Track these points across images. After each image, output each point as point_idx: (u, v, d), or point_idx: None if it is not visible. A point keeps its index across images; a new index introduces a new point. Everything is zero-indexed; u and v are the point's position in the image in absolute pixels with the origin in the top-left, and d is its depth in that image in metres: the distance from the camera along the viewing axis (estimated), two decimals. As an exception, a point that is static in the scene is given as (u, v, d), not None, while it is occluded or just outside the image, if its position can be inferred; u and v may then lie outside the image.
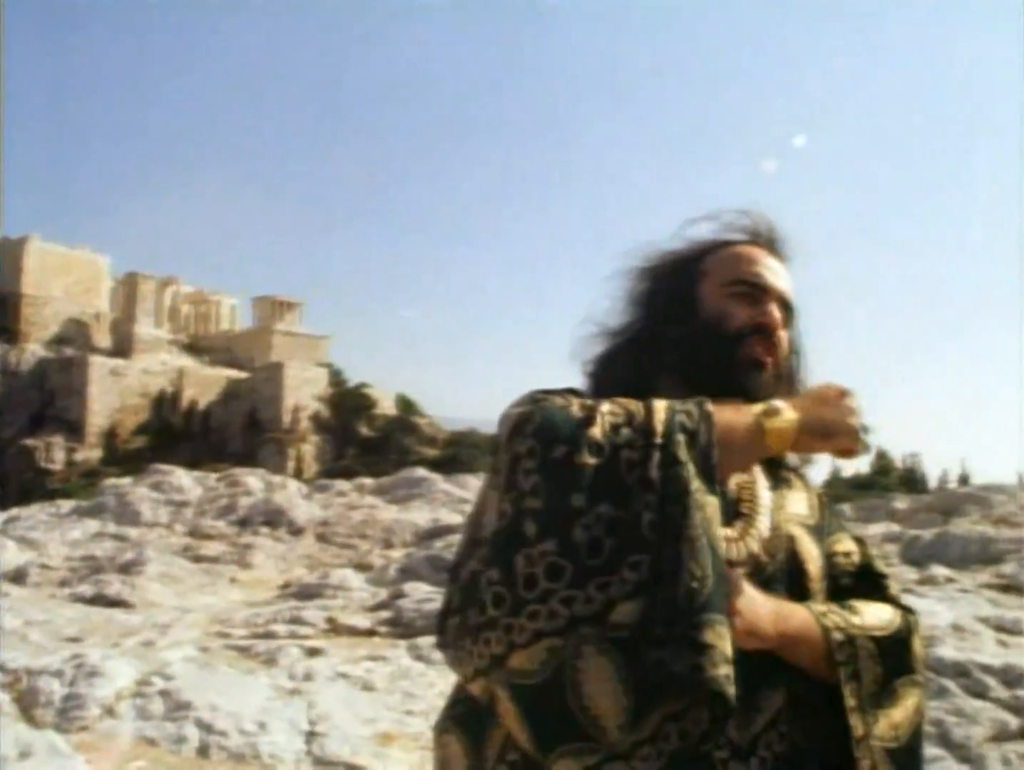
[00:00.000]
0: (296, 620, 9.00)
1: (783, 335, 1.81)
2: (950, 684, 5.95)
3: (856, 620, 1.66)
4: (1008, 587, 8.95)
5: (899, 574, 9.35)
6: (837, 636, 1.61)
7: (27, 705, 6.11)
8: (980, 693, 5.97)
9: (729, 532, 1.61)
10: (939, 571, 9.45)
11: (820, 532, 1.78)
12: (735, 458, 1.55)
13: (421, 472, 19.73)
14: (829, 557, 1.78)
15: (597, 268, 1.88)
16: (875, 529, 12.50)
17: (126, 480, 18.47)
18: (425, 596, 9.34)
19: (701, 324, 1.79)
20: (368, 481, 19.97)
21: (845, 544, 1.84)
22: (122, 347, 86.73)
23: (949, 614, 7.30)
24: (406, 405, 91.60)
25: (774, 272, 1.84)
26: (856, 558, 1.84)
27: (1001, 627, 7.14)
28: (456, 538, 10.38)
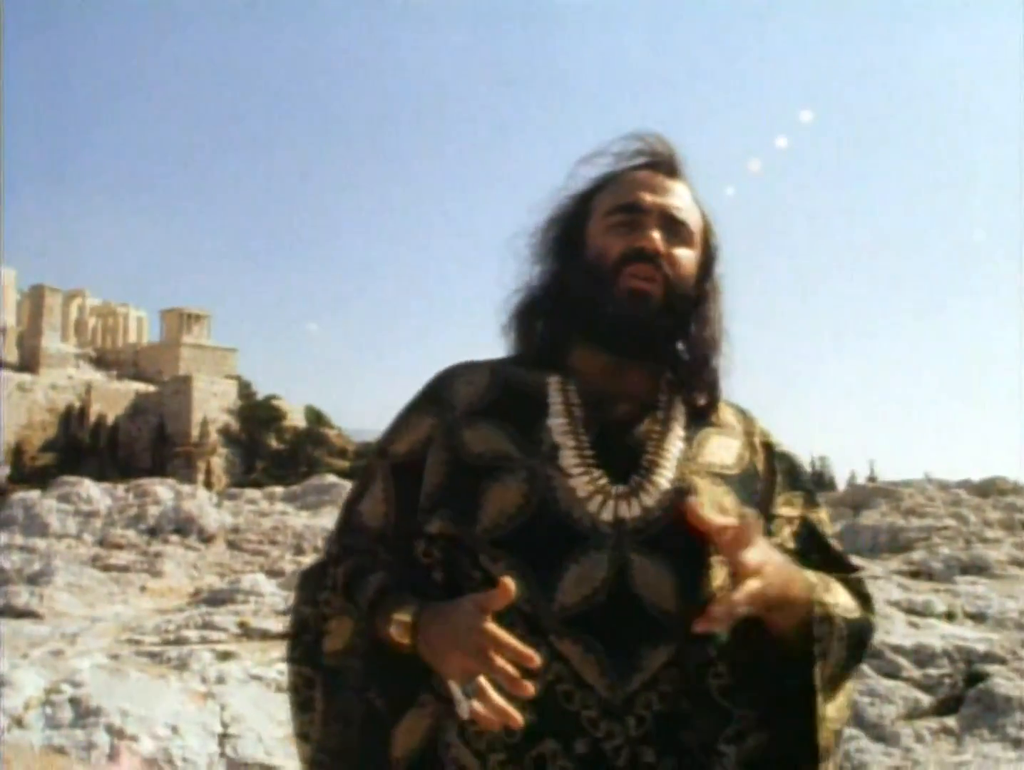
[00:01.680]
0: (208, 625, 8.91)
1: (679, 256, 1.66)
2: (863, 666, 6.02)
3: (830, 598, 1.57)
4: (918, 573, 9.14)
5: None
6: (819, 611, 1.53)
7: (-70, 717, 5.94)
8: (892, 673, 6.05)
9: (622, 487, 1.55)
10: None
11: (745, 483, 1.65)
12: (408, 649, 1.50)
13: (331, 478, 19.72)
14: (772, 518, 1.67)
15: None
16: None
17: (34, 493, 18.06)
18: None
19: (583, 264, 1.68)
20: (279, 489, 19.88)
21: (792, 506, 1.71)
22: (29, 362, 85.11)
23: (860, 599, 7.37)
24: (315, 417, 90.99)
25: (657, 189, 1.70)
26: (798, 526, 1.70)
27: (912, 610, 7.26)
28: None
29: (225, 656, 7.54)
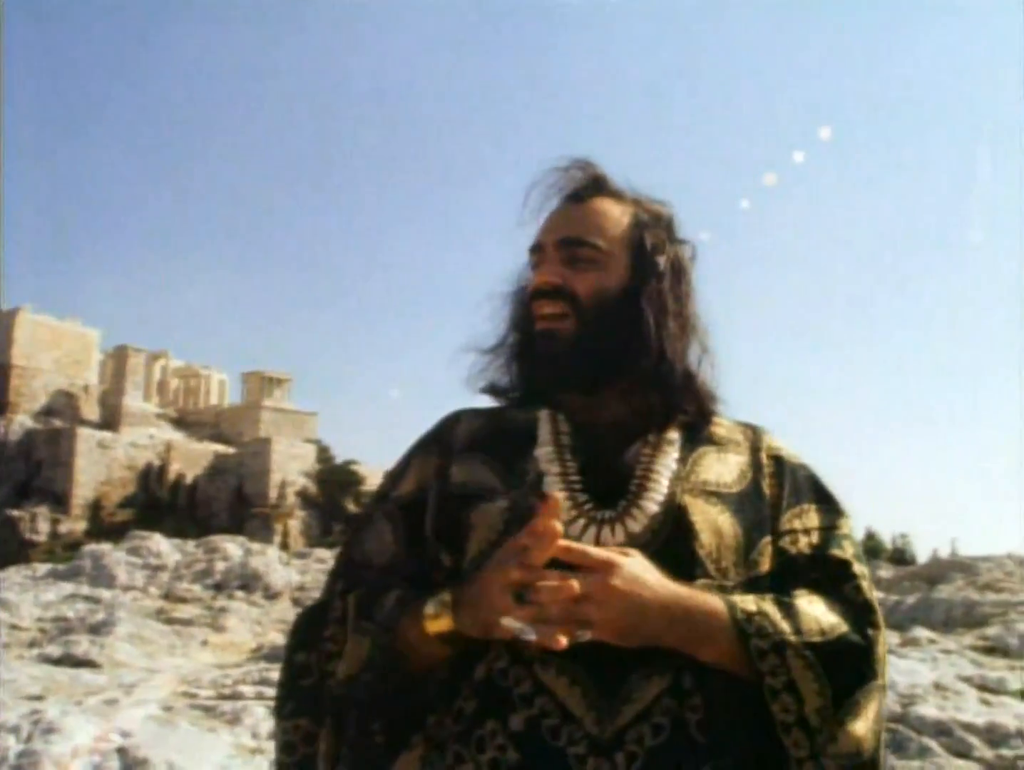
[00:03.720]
0: (265, 681, 8.82)
1: (584, 278, 1.62)
2: (931, 743, 5.79)
3: (787, 625, 1.46)
4: (992, 649, 8.88)
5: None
6: (760, 644, 1.43)
7: (-19, 760, 5.92)
8: (963, 753, 5.82)
9: (607, 513, 1.52)
10: (922, 633, 9.34)
11: (744, 501, 1.58)
12: (424, 661, 1.48)
13: None
14: (782, 534, 1.60)
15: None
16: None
17: (105, 545, 18.24)
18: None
19: (522, 308, 1.71)
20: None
21: (808, 519, 1.63)
22: (110, 420, 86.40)
23: (931, 674, 7.16)
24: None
25: (556, 224, 1.68)
26: (816, 538, 1.61)
27: (985, 686, 7.02)
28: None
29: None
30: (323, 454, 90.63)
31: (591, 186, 1.71)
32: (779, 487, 1.64)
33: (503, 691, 1.43)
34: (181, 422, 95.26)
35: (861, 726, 1.46)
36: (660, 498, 1.53)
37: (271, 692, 8.43)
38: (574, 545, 1.39)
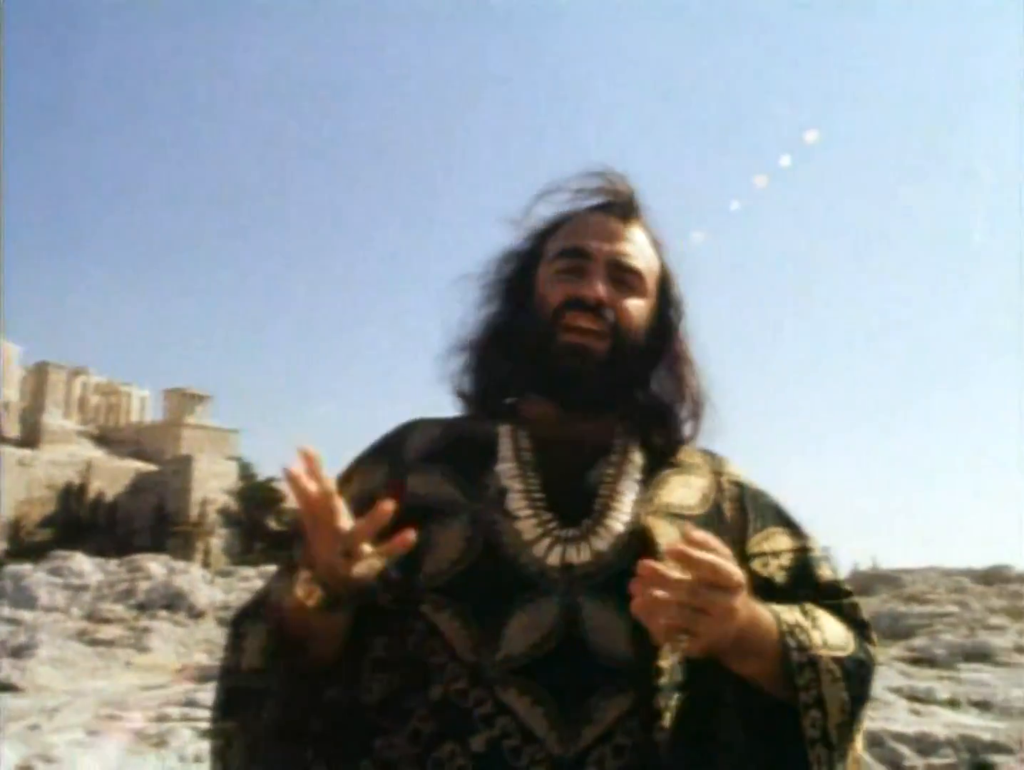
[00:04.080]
0: (191, 703, 8.76)
1: (628, 306, 1.59)
2: (865, 755, 5.82)
3: (817, 636, 1.43)
4: (919, 660, 8.98)
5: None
6: (798, 657, 1.39)
7: None
8: (895, 762, 5.86)
9: (572, 531, 1.48)
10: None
11: (708, 524, 1.53)
12: (320, 640, 1.46)
13: None
14: (751, 557, 1.56)
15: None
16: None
17: (26, 565, 17.91)
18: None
19: (529, 312, 1.62)
20: (273, 567, 19.62)
21: (775, 541, 1.61)
22: (30, 437, 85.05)
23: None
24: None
25: (607, 235, 1.62)
26: (787, 560, 1.59)
27: (914, 697, 7.10)
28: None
29: (205, 734, 7.35)
30: (245, 471, 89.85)
31: (634, 208, 1.67)
32: (742, 511, 1.62)
33: (462, 712, 1.39)
34: (102, 439, 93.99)
35: (858, 745, 1.48)
36: (625, 518, 1.51)
37: (198, 713, 8.33)
38: (708, 558, 1.25)
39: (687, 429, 1.67)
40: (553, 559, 1.45)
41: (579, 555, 1.46)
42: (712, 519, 1.58)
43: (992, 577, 17.42)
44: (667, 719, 1.43)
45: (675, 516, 1.54)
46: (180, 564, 18.46)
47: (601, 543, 1.47)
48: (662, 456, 1.64)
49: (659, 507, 1.55)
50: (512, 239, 1.73)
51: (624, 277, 1.60)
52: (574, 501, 1.53)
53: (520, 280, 1.68)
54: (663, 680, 1.44)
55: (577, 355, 1.55)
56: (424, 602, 1.46)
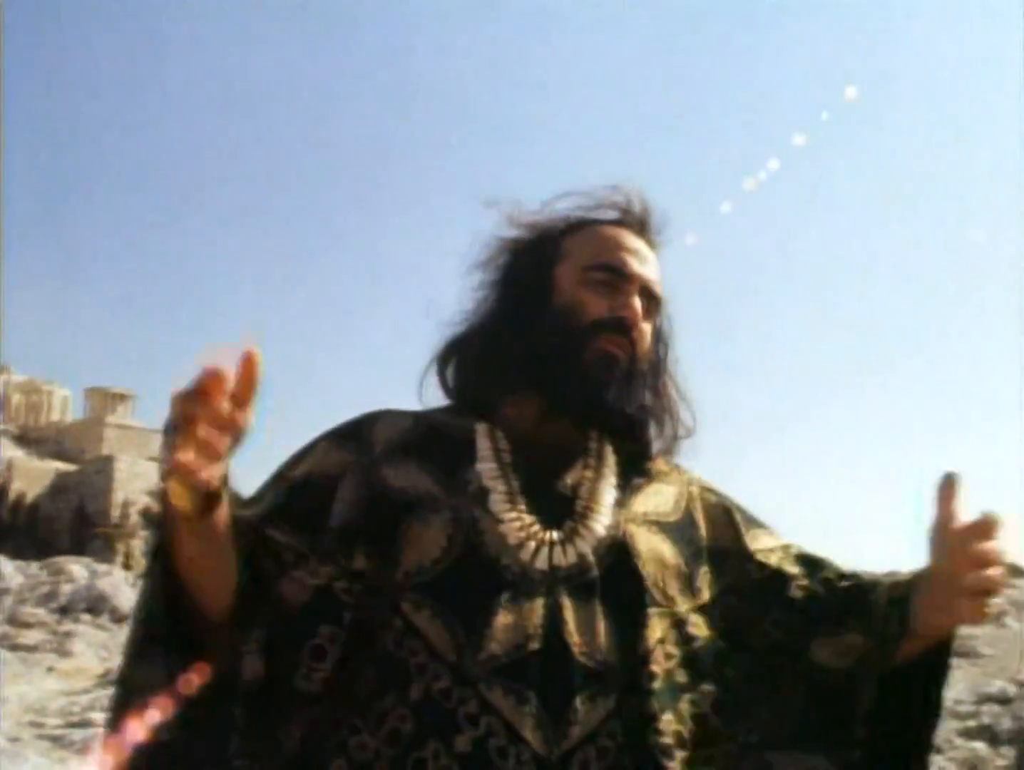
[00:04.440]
0: (115, 706, 8.59)
1: (645, 329, 1.64)
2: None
3: None
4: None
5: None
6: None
7: None
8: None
9: (555, 534, 1.50)
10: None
11: (683, 531, 1.62)
12: (186, 534, 1.37)
13: None
14: (753, 554, 1.65)
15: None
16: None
17: (-58, 569, 17.55)
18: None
19: (552, 312, 1.61)
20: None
21: (765, 540, 1.69)
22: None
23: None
24: (242, 504, 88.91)
25: (640, 258, 1.65)
26: (785, 553, 1.68)
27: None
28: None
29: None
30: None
31: (655, 234, 1.72)
32: (727, 513, 1.70)
33: (445, 712, 1.38)
34: (22, 439, 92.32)
35: None
36: (606, 522, 1.54)
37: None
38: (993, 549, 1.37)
39: (661, 442, 1.70)
40: (540, 562, 1.47)
41: (565, 557, 1.48)
42: (687, 526, 1.63)
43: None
44: (665, 721, 1.46)
45: (652, 523, 1.59)
46: (103, 567, 18.22)
47: (584, 546, 1.50)
48: (634, 463, 1.66)
49: (636, 513, 1.58)
50: (512, 230, 1.72)
51: (648, 304, 1.64)
52: (552, 503, 1.55)
53: (534, 277, 1.67)
54: (657, 684, 1.47)
55: (608, 367, 1.57)
56: (403, 600, 1.45)
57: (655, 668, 1.48)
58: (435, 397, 1.72)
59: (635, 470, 1.66)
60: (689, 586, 1.58)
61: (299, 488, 1.58)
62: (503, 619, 1.42)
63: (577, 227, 1.69)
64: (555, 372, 1.57)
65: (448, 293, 1.73)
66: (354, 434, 1.63)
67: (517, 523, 1.50)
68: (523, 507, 1.53)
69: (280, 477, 1.62)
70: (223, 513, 1.37)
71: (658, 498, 1.64)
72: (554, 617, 1.44)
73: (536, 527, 1.51)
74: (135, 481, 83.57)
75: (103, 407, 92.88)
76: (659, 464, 1.71)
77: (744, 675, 1.57)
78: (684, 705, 1.50)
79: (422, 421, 1.66)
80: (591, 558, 1.49)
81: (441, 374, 1.71)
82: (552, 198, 1.71)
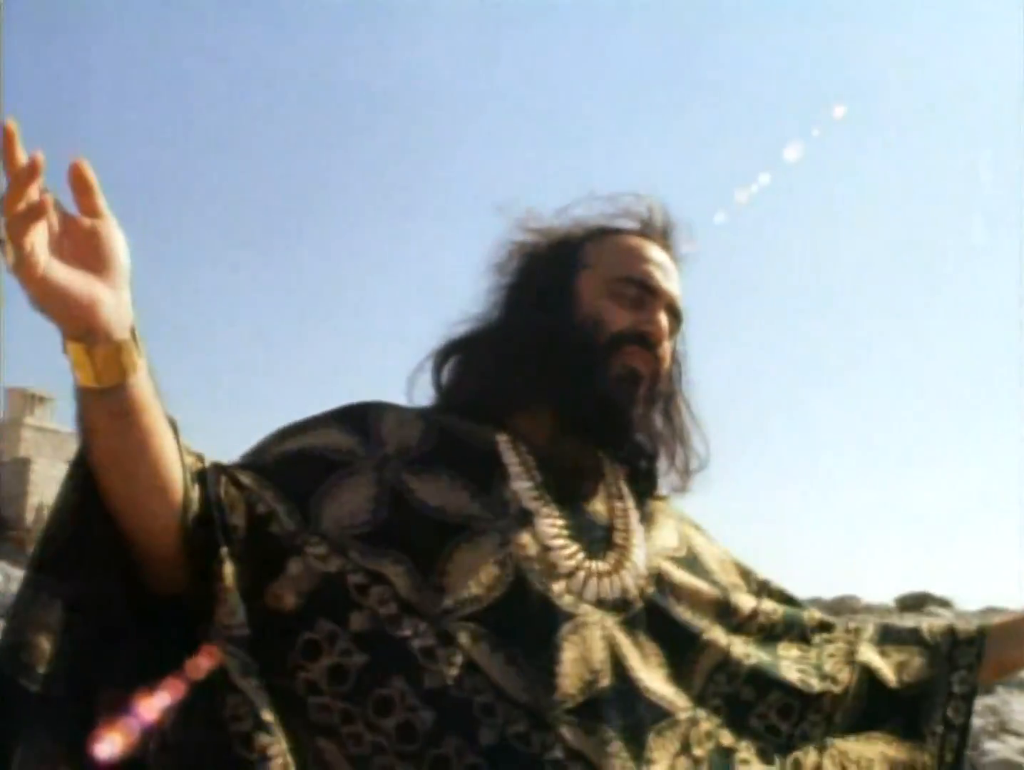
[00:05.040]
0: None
1: (668, 348, 1.57)
2: None
3: None
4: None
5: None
6: None
7: None
8: None
9: (601, 565, 1.44)
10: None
11: (693, 565, 1.58)
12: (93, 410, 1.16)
13: None
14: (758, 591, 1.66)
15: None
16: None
17: None
18: None
19: (574, 323, 1.52)
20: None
21: (755, 577, 1.70)
22: None
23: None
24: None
25: (665, 272, 1.57)
26: (769, 588, 1.70)
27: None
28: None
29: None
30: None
31: (678, 248, 1.65)
32: (719, 550, 1.69)
33: (528, 759, 1.27)
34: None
35: None
36: (643, 554, 1.50)
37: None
38: None
39: (675, 479, 1.64)
40: (589, 594, 1.40)
41: (611, 590, 1.42)
42: (692, 561, 1.59)
43: (839, 607, 17.89)
44: (743, 747, 1.46)
45: (671, 558, 1.55)
46: (19, 571, 17.76)
47: (628, 578, 1.44)
48: (638, 492, 1.62)
49: (660, 550, 1.55)
50: (527, 234, 1.63)
51: (671, 321, 1.57)
52: (590, 529, 1.49)
53: (554, 284, 1.57)
54: (720, 711, 1.46)
55: (632, 382, 1.51)
56: (459, 630, 1.30)
57: (715, 700, 1.47)
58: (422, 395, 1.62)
59: (641, 500, 1.61)
60: (727, 611, 1.56)
61: (291, 459, 1.40)
62: (570, 654, 1.33)
63: (599, 235, 1.61)
64: (575, 387, 1.50)
65: (453, 294, 1.67)
66: (358, 424, 1.47)
67: (566, 551, 1.42)
68: (568, 533, 1.44)
69: (261, 450, 1.45)
70: (141, 384, 1.16)
71: (665, 532, 1.61)
72: (613, 651, 1.37)
73: (582, 555, 1.44)
74: (52, 485, 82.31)
75: (22, 408, 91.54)
76: (654, 499, 1.66)
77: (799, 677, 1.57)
78: (755, 721, 1.49)
79: (432, 423, 1.52)
80: (634, 591, 1.45)
81: (437, 372, 1.60)
82: (570, 203, 1.64)
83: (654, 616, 1.45)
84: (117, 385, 1.12)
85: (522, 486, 1.46)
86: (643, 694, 1.37)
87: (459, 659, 1.29)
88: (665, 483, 1.65)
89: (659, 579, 1.49)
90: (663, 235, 1.63)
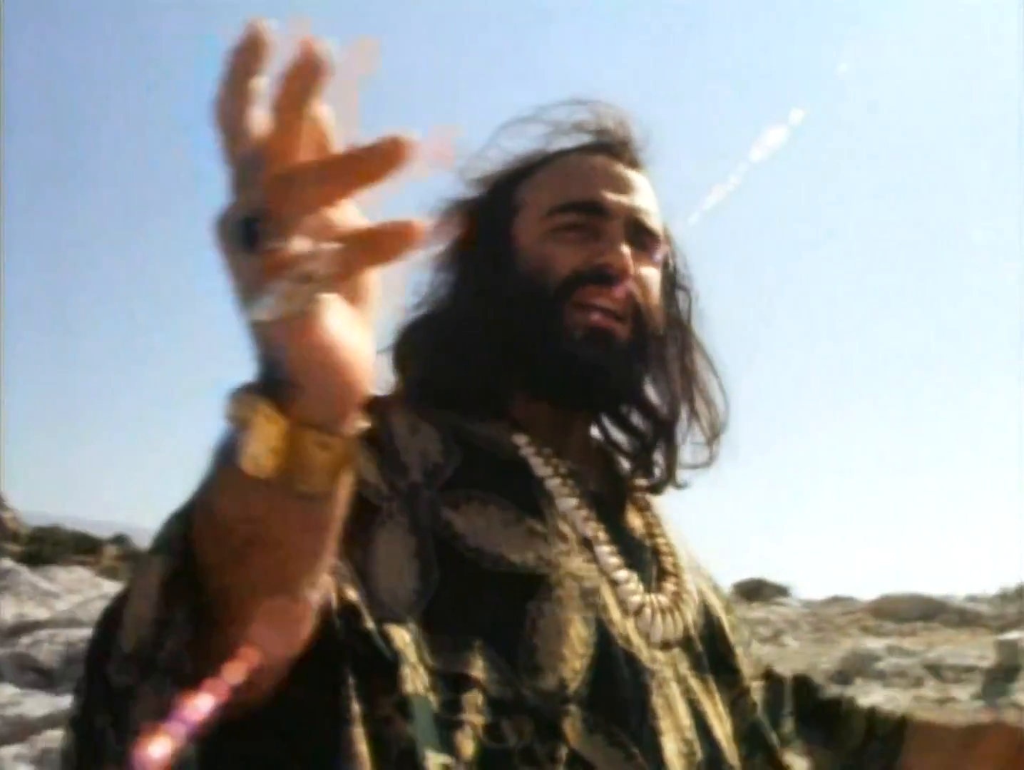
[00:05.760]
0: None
1: (648, 277, 1.21)
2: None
3: None
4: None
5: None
6: None
7: None
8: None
9: (662, 598, 1.14)
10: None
11: (708, 578, 1.32)
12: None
13: (7, 563, 17.32)
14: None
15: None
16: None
17: None
18: (9, 699, 7.63)
19: (515, 278, 1.19)
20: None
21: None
22: None
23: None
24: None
25: (622, 185, 1.22)
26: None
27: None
28: (46, 634, 9.10)
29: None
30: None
31: (642, 151, 1.27)
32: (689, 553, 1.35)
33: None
34: None
35: None
36: (692, 580, 1.22)
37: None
38: None
39: (698, 456, 1.28)
40: (656, 636, 1.10)
41: (675, 630, 1.13)
42: (697, 569, 1.32)
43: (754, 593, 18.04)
44: None
45: (697, 574, 1.28)
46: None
47: (689, 614, 1.16)
48: (647, 477, 1.29)
49: (687, 564, 1.25)
50: (454, 183, 1.26)
51: (643, 240, 1.21)
52: (636, 551, 1.18)
53: (489, 240, 1.24)
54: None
55: (601, 341, 1.15)
56: (562, 716, 0.97)
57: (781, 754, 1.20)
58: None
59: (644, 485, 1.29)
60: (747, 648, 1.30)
61: None
62: (665, 724, 1.04)
63: (533, 165, 1.25)
64: (534, 356, 1.17)
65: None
66: (365, 432, 0.76)
67: (630, 585, 1.12)
68: (624, 561, 1.13)
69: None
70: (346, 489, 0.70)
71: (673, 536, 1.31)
72: (694, 708, 1.09)
73: (643, 588, 1.13)
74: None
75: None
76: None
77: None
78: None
79: (441, 426, 1.13)
80: (693, 630, 1.16)
81: (399, 370, 1.22)
82: (499, 129, 1.27)
83: (709, 652, 1.17)
84: (328, 492, 0.67)
85: (568, 506, 1.13)
86: (728, 761, 1.10)
87: (563, 753, 0.96)
88: (684, 454, 1.28)
89: (706, 609, 1.22)
90: (617, 142, 1.26)
